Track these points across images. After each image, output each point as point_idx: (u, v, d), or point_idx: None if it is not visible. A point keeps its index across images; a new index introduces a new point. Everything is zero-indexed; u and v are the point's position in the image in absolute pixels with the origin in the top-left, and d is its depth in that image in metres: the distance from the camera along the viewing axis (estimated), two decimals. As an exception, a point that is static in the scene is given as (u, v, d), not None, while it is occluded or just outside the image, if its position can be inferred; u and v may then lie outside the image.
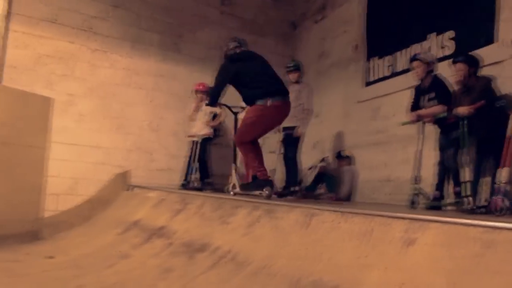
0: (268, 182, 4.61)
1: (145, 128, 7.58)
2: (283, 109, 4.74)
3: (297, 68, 6.68)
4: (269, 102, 4.52)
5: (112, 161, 7.30)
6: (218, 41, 8.44)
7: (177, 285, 3.01)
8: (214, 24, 8.69)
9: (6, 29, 6.62)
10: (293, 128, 6.30)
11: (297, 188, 6.25)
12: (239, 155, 5.29)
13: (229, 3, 8.90)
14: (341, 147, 7.81)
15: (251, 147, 4.72)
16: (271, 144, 7.18)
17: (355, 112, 7.72)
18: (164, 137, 7.84)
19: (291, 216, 3.17)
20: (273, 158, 6.77)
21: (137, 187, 6.68)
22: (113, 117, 7.45)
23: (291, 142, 6.36)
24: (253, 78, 4.63)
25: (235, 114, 5.53)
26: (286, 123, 6.42)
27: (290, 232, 3.04)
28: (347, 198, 7.17)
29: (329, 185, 7.37)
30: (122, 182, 7.05)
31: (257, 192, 4.61)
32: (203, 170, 7.13)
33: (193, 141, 7.23)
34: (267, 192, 4.48)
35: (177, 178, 7.40)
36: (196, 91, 7.32)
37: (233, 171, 5.21)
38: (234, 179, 5.14)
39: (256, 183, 4.74)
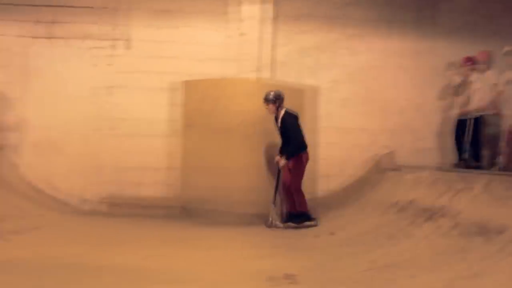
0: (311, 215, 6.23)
1: (407, 108, 7.52)
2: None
3: None
4: (306, 152, 6.21)
5: (377, 142, 7.50)
6: (476, 5, 7.65)
7: (477, 267, 2.91)
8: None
9: (275, 29, 7.57)
10: None
11: None
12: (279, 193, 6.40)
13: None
14: None
15: (302, 191, 6.23)
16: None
17: None
18: (427, 115, 7.60)
19: None
20: None
21: (404, 167, 6.68)
22: (374, 100, 7.62)
23: None
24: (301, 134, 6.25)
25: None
26: None
27: None
28: None
29: None
30: (388, 163, 7.19)
31: (309, 223, 6.08)
32: (475, 151, 6.63)
33: (462, 118, 6.82)
34: (314, 222, 6.10)
35: (444, 157, 7.12)
36: (472, 62, 6.78)
37: (272, 210, 6.23)
38: (273, 216, 6.20)
39: (306, 217, 6.16)
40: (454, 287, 2.74)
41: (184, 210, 6.85)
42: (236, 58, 7.37)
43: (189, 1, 7.29)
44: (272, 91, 6.20)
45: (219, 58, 7.35)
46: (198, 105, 6.93)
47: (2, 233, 4.62)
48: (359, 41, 7.69)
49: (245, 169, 6.55)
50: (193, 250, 4.54)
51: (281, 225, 6.10)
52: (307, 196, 6.20)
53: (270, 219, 6.11)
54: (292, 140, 6.09)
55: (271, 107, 6.18)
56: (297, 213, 6.14)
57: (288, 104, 6.21)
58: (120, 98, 7.17)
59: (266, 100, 6.16)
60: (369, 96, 7.63)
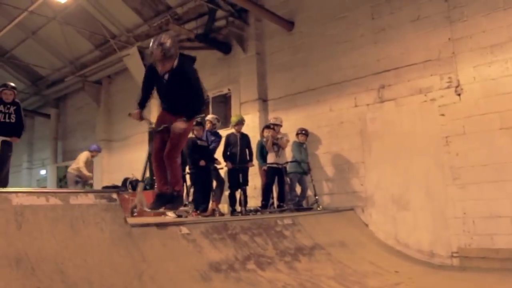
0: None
1: None
2: None
3: None
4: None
5: None
6: None
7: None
8: None
9: None
10: None
11: None
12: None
13: None
14: None
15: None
16: None
17: None
18: None
19: None
20: None
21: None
22: None
23: None
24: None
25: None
26: None
27: None
28: None
29: None
30: None
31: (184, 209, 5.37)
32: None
33: None
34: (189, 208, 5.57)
35: None
36: None
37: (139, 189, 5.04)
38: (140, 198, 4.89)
39: (180, 200, 5.11)
40: None
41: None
42: None
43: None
44: (165, 37, 4.59)
45: None
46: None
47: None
48: None
49: None
50: None
51: (149, 210, 4.87)
52: None
53: (135, 203, 4.75)
54: (196, 92, 4.73)
55: (168, 63, 4.63)
56: (171, 194, 4.84)
57: None
58: (458, 146, 7.19)
59: (165, 55, 4.54)
60: None
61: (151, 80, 4.91)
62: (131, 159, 12.99)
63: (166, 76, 4.74)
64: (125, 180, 11.89)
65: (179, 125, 4.61)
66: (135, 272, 4.08)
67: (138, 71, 12.29)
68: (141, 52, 12.22)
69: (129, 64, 12.49)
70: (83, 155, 10.69)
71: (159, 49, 4.48)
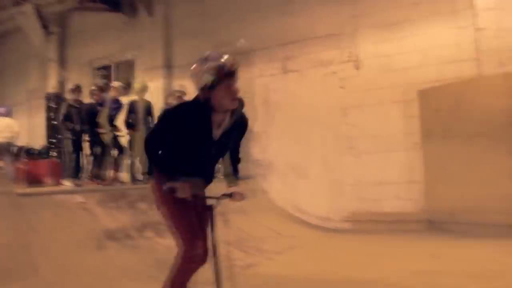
0: None
1: None
2: None
3: None
4: None
5: None
6: None
7: None
8: None
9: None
10: None
11: None
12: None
13: None
14: None
15: None
16: None
17: None
18: None
19: None
20: None
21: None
22: None
23: None
24: None
25: None
26: None
27: None
28: None
29: None
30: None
31: None
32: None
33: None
34: None
35: None
36: None
37: None
38: None
39: None
40: None
41: (431, 223, 6.70)
42: (473, 56, 6.98)
43: (413, 9, 7.34)
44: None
45: (453, 61, 7.05)
46: (436, 113, 6.81)
47: (265, 253, 5.42)
48: None
49: (498, 176, 6.03)
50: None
51: None
52: None
53: None
54: (239, 149, 3.09)
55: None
56: None
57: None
58: (354, 118, 7.61)
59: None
60: None
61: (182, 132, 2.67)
62: (27, 125, 12.07)
63: (222, 126, 2.73)
64: (19, 148, 11.07)
65: (242, 193, 2.98)
66: (21, 243, 3.86)
67: (34, 31, 11.37)
68: (38, 10, 11.26)
69: (23, 23, 11.47)
70: (14, 122, 9.66)
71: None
